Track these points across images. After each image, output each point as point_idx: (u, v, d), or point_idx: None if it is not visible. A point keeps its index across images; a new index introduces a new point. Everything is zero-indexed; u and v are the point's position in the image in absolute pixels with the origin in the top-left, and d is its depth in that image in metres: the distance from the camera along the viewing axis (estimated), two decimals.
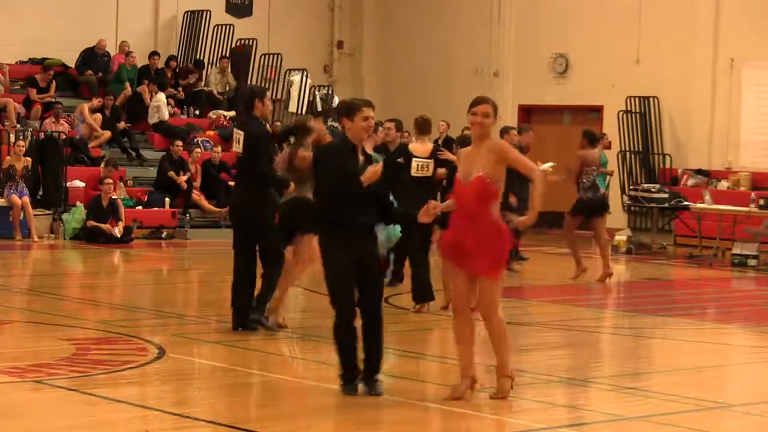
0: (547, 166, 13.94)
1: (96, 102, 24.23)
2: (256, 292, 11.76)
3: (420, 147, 13.20)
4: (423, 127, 13.28)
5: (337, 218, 8.78)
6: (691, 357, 12.04)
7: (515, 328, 13.23)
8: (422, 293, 13.41)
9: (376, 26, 30.04)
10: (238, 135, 11.82)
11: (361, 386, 8.89)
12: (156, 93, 25.31)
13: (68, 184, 22.26)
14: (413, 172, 12.82)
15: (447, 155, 13.40)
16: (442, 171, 13.26)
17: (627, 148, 25.18)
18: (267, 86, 26.46)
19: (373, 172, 8.74)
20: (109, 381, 9.31)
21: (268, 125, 12.27)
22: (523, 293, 16.41)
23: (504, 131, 16.91)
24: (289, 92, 26.95)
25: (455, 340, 8.99)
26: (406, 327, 13.45)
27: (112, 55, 25.94)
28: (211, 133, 25.55)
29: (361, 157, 8.98)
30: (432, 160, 12.98)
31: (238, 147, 11.88)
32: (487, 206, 8.70)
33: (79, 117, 24.00)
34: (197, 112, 26.52)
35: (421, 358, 11.16)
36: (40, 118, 23.81)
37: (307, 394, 9.27)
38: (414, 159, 12.93)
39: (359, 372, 8.89)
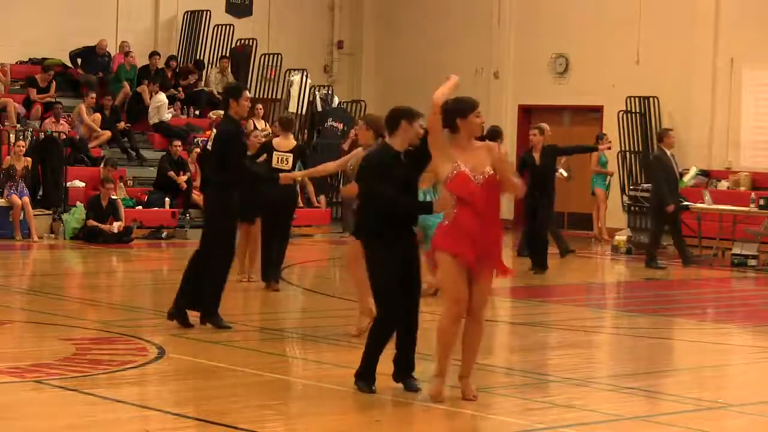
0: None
1: (90, 99, 24.18)
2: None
3: (282, 142, 14.62)
4: (286, 125, 14.98)
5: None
6: (691, 357, 12.04)
7: (516, 328, 13.26)
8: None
9: (376, 26, 30.04)
10: (212, 134, 12.22)
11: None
12: (156, 93, 25.31)
13: (68, 184, 22.26)
14: (274, 164, 14.43)
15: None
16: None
17: (627, 148, 25.18)
18: (267, 86, 26.50)
19: None
20: (109, 381, 9.31)
21: (246, 122, 13.26)
22: (523, 293, 16.40)
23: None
24: (289, 92, 26.95)
25: (449, 346, 8.87)
26: None
27: (112, 55, 25.95)
28: (211, 133, 25.52)
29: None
30: (291, 154, 14.66)
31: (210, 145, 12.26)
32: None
33: (78, 118, 24.00)
34: (197, 112, 26.53)
35: (419, 358, 11.15)
36: (40, 118, 23.81)
37: (307, 394, 9.27)
38: (275, 153, 14.48)
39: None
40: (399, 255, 8.93)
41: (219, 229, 11.87)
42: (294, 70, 26.98)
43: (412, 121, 9.13)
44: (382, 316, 9.00)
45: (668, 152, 19.72)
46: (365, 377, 9.01)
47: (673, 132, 20.55)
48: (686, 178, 22.44)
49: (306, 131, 26.82)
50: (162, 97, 25.19)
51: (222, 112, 26.27)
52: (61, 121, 23.39)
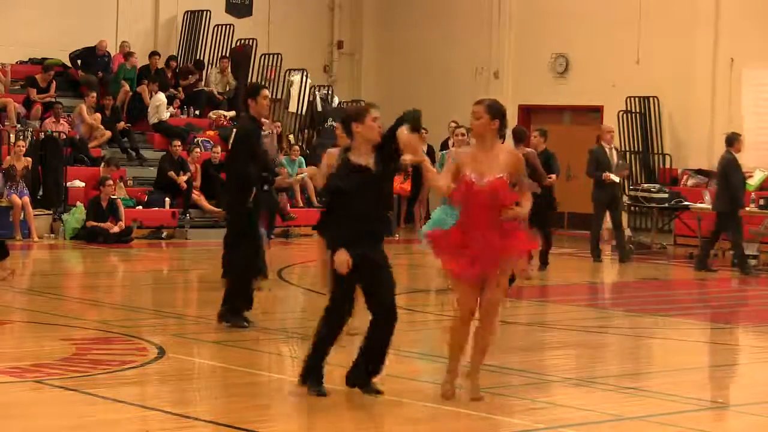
0: None
1: (91, 99, 24.17)
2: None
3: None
4: None
5: None
6: (691, 357, 12.04)
7: (516, 328, 13.25)
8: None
9: (376, 26, 30.04)
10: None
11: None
12: (156, 93, 25.32)
13: (68, 184, 22.27)
14: None
15: None
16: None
17: (627, 148, 25.18)
18: (267, 86, 26.48)
19: None
20: (109, 381, 9.31)
21: (265, 121, 13.17)
22: (523, 293, 16.41)
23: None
24: (289, 92, 26.96)
25: (457, 346, 8.92)
26: (403, 327, 13.45)
27: (112, 56, 25.96)
28: (211, 133, 25.55)
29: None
30: None
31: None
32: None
33: (78, 118, 24.00)
34: (197, 112, 26.53)
35: (421, 358, 11.16)
36: (40, 118, 23.81)
37: (306, 394, 9.25)
38: None
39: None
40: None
41: (239, 227, 11.92)
42: (294, 70, 26.99)
43: (363, 121, 8.71)
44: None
45: (736, 156, 19.68)
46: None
47: (743, 136, 20.39)
48: (753, 182, 22.42)
49: (306, 131, 26.84)
50: (161, 97, 25.19)
51: (221, 112, 26.53)
52: (61, 121, 23.40)
